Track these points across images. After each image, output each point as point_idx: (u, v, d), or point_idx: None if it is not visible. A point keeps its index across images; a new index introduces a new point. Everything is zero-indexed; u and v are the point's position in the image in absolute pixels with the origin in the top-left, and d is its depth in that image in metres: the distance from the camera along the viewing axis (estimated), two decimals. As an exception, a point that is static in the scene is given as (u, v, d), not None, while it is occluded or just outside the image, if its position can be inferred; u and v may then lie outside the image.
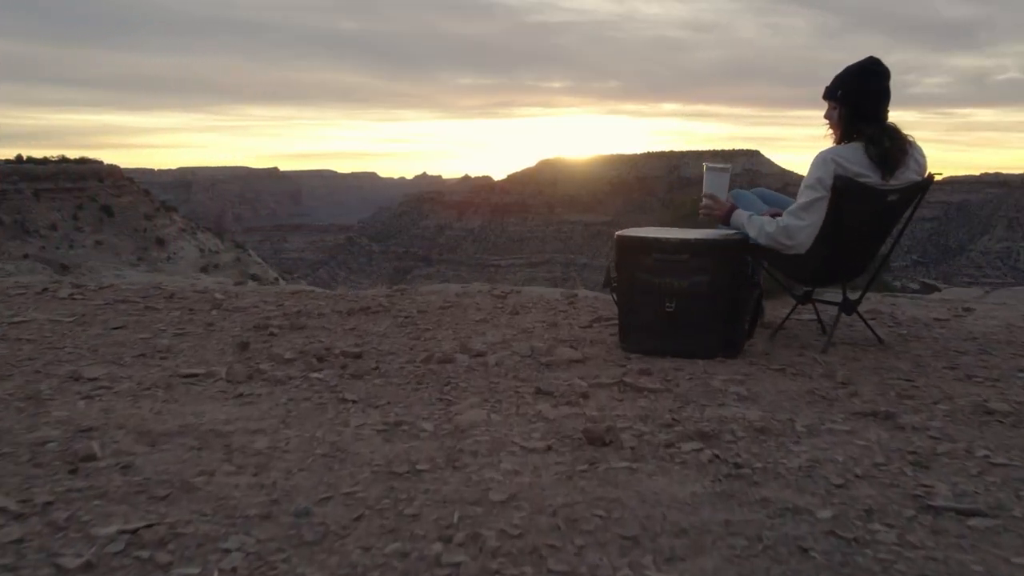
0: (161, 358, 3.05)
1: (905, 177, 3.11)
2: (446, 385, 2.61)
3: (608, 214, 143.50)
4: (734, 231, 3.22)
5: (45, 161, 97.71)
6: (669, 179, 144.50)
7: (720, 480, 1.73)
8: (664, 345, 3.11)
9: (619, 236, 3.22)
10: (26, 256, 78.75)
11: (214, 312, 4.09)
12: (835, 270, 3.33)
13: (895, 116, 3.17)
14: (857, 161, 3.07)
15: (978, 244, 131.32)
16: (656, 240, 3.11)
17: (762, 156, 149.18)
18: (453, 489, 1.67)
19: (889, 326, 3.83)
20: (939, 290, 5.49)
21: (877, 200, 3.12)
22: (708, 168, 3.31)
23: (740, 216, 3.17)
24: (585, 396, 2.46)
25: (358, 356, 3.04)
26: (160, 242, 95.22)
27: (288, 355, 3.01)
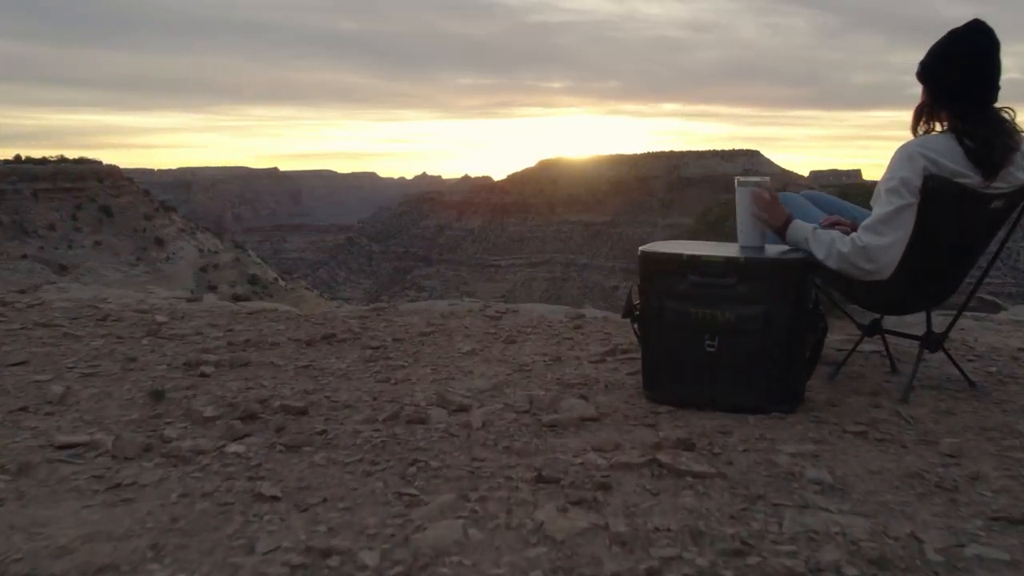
0: (46, 414, 2.33)
1: (1014, 178, 2.39)
2: (412, 465, 1.89)
3: (608, 214, 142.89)
4: (791, 248, 2.49)
5: (44, 161, 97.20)
6: (669, 179, 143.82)
7: None
8: (703, 395, 2.39)
9: (644, 252, 2.50)
10: (25, 256, 78.24)
11: (145, 341, 3.37)
12: (919, 295, 2.60)
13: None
14: (952, 156, 2.35)
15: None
16: (693, 258, 2.38)
17: (762, 156, 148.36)
18: None
19: (969, 359, 3.10)
20: (1003, 308, 4.77)
21: (978, 207, 2.40)
22: (741, 184, 2.58)
23: (801, 229, 2.45)
24: (605, 487, 1.73)
25: (302, 412, 2.31)
26: (159, 242, 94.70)
27: (209, 411, 2.28)
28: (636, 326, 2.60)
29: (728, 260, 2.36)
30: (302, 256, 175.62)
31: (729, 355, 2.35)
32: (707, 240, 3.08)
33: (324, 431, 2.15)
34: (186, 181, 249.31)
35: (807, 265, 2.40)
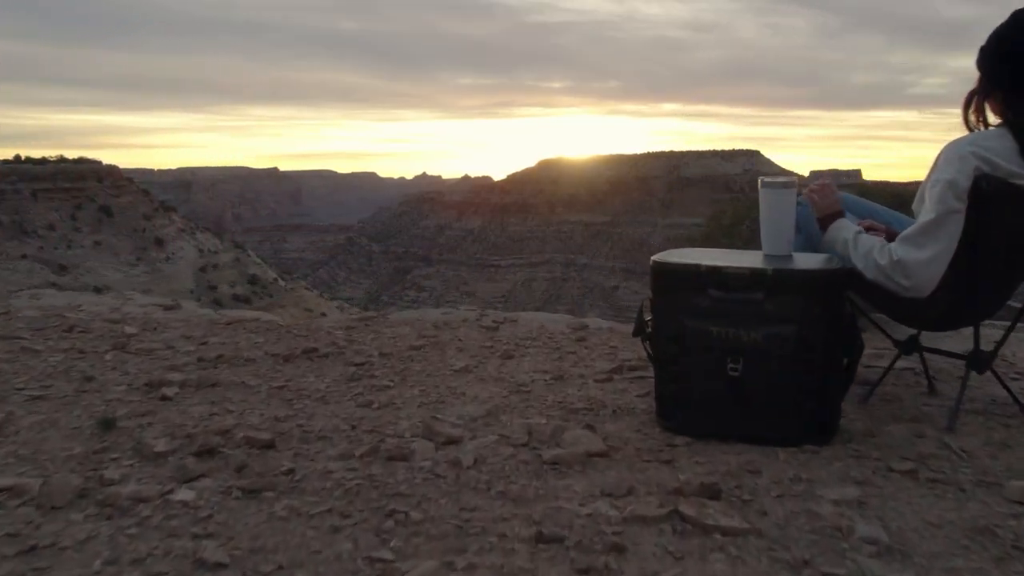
0: (-24, 448, 2.04)
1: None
2: (389, 517, 1.60)
3: (608, 214, 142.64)
4: (825, 256, 2.21)
5: (44, 161, 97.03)
6: (669, 179, 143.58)
7: None
8: (726, 425, 2.10)
9: (657, 263, 2.21)
10: (24, 256, 78.09)
11: (108, 356, 3.08)
12: (965, 310, 2.32)
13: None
14: (1007, 155, 2.07)
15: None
16: (714, 270, 2.09)
17: (762, 156, 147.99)
18: None
19: (1011, 378, 2.80)
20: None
21: (1034, 210, 2.12)
22: (765, 185, 2.28)
23: (844, 229, 2.19)
24: (619, 549, 1.45)
25: (268, 445, 2.02)
26: (159, 242, 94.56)
27: (162, 445, 1.99)
28: (648, 345, 2.31)
29: (753, 272, 2.07)
30: (302, 256, 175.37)
31: (755, 380, 2.06)
32: (722, 246, 2.79)
33: (291, 470, 1.86)
34: (186, 181, 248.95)
35: (843, 277, 2.11)
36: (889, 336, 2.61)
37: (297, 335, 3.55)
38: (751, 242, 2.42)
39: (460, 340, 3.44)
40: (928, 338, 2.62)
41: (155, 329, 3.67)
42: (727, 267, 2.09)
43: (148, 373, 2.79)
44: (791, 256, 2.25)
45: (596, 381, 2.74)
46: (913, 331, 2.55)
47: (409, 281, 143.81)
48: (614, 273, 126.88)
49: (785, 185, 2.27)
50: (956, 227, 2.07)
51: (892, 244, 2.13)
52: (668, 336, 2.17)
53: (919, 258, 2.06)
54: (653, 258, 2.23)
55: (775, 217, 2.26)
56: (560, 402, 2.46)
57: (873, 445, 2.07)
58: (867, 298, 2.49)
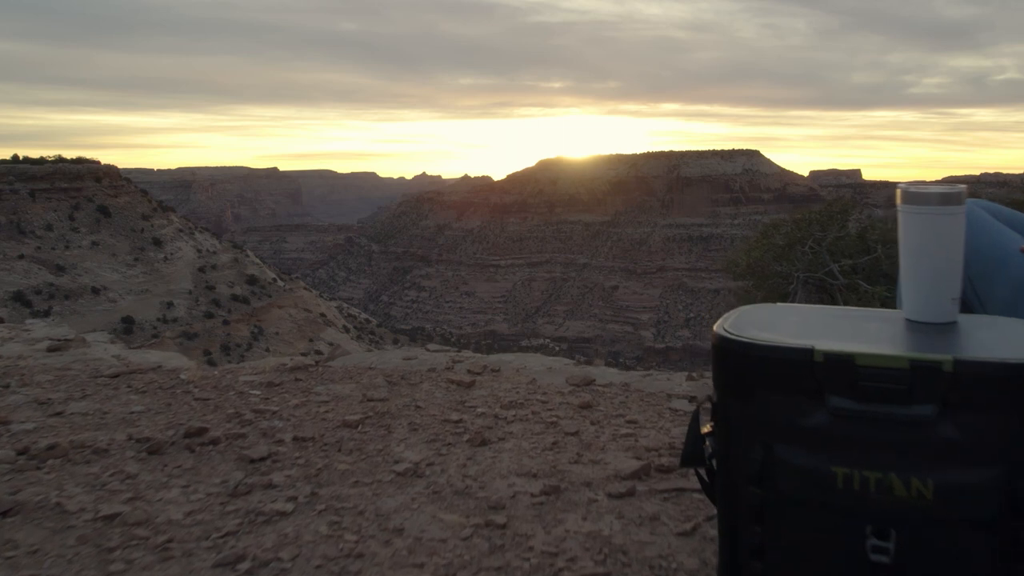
0: None
1: None
2: None
3: (608, 214, 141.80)
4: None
5: (42, 161, 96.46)
6: (669, 179, 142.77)
7: None
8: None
9: (730, 339, 1.21)
10: (22, 257, 77.48)
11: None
12: None
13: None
14: None
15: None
16: (838, 360, 1.11)
17: (762, 156, 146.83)
18: None
19: None
20: None
21: None
22: (910, 199, 1.25)
23: None
24: None
25: None
26: (157, 242, 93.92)
27: None
28: (705, 475, 1.33)
29: (916, 365, 1.09)
30: (301, 256, 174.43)
31: (921, 568, 1.09)
32: (776, 276, 1.89)
33: None
34: (186, 181, 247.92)
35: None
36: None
37: (196, 398, 2.58)
38: (816, 270, 1.43)
39: (419, 407, 2.47)
40: None
41: (7, 387, 2.70)
42: (864, 355, 1.11)
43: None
44: (957, 324, 1.27)
45: (611, 497, 1.77)
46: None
47: (409, 281, 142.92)
48: (614, 273, 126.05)
49: (947, 199, 1.27)
50: None
51: None
52: (750, 476, 1.19)
53: None
54: (718, 328, 1.24)
55: (931, 258, 1.28)
56: (555, 554, 1.49)
57: None
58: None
